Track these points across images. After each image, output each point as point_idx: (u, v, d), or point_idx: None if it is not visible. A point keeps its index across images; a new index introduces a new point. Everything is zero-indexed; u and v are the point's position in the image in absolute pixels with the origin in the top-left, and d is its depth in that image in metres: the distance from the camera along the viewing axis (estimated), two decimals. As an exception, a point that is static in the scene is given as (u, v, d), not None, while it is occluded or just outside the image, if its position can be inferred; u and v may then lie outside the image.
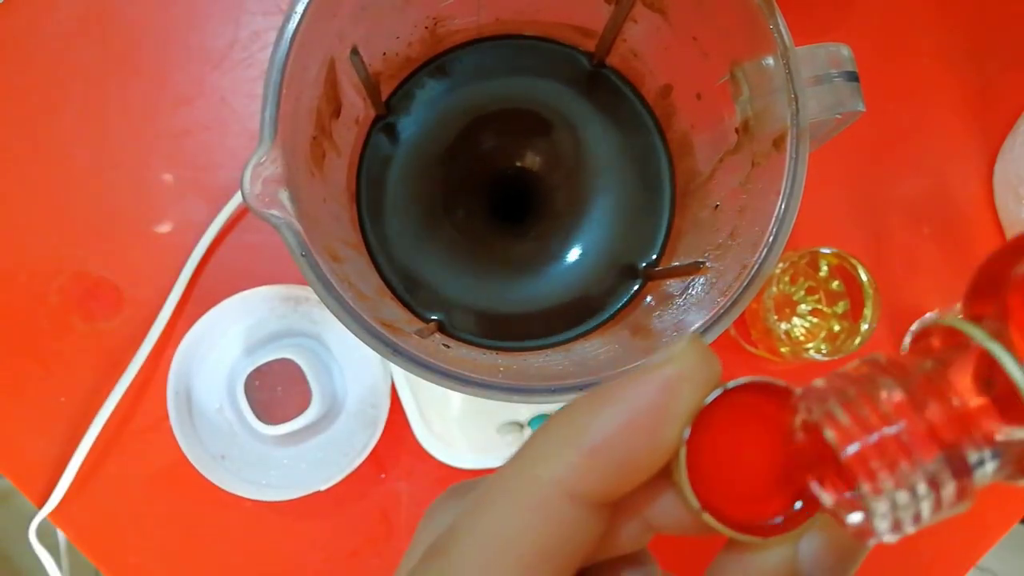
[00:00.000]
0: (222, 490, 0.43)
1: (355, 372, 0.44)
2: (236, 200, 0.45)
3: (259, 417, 0.41)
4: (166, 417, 0.41)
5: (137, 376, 0.43)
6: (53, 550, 0.43)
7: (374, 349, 0.23)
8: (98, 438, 0.43)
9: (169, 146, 0.46)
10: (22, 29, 0.47)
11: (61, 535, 0.44)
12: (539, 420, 0.42)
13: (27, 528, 0.42)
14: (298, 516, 0.45)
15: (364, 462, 0.44)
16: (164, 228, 0.46)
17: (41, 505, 0.43)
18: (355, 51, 0.27)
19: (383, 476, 0.45)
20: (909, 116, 0.49)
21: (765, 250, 0.24)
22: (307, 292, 0.43)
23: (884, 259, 0.48)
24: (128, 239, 0.46)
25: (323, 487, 0.42)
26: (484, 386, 0.23)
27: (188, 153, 0.46)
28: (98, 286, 0.45)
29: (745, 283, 0.24)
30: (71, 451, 0.43)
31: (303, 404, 0.41)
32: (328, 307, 0.23)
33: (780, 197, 0.23)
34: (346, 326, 0.23)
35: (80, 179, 0.46)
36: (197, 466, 0.41)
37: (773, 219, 0.23)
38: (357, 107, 0.30)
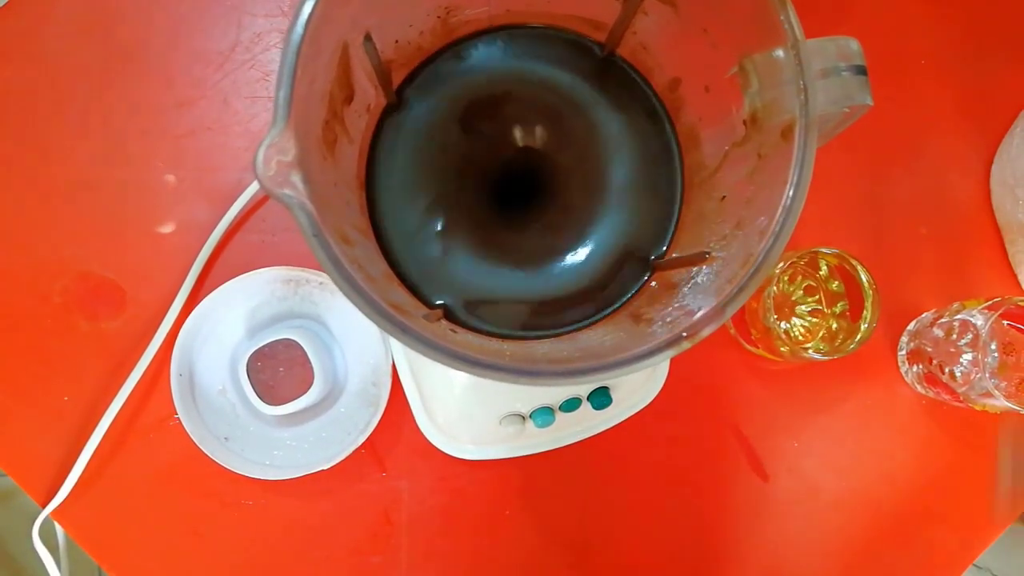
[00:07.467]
0: (224, 489, 0.43)
1: (356, 352, 0.44)
2: (239, 202, 0.45)
3: (262, 398, 0.41)
4: (169, 416, 0.42)
5: (142, 376, 0.44)
6: (55, 550, 0.43)
7: (384, 329, 0.23)
8: (103, 437, 0.43)
9: (172, 147, 0.47)
10: (25, 31, 0.47)
11: (60, 534, 0.44)
12: (541, 413, 0.42)
13: (31, 527, 0.42)
14: (300, 515, 0.45)
15: (366, 459, 0.44)
16: (167, 229, 0.46)
17: (44, 504, 0.43)
18: (368, 38, 0.27)
19: (384, 474, 0.45)
20: (907, 117, 0.49)
21: (772, 239, 0.24)
22: (307, 274, 0.43)
23: (881, 259, 0.48)
24: (131, 240, 0.46)
25: (326, 466, 0.42)
26: (493, 367, 0.23)
27: (191, 154, 0.47)
28: (101, 286, 0.45)
29: (751, 271, 0.24)
30: (75, 450, 0.43)
31: (305, 385, 0.41)
32: (339, 287, 0.23)
33: (788, 186, 0.23)
34: (356, 306, 0.23)
35: (83, 180, 0.46)
36: (201, 447, 0.41)
37: (780, 208, 0.24)
38: (369, 94, 0.30)
